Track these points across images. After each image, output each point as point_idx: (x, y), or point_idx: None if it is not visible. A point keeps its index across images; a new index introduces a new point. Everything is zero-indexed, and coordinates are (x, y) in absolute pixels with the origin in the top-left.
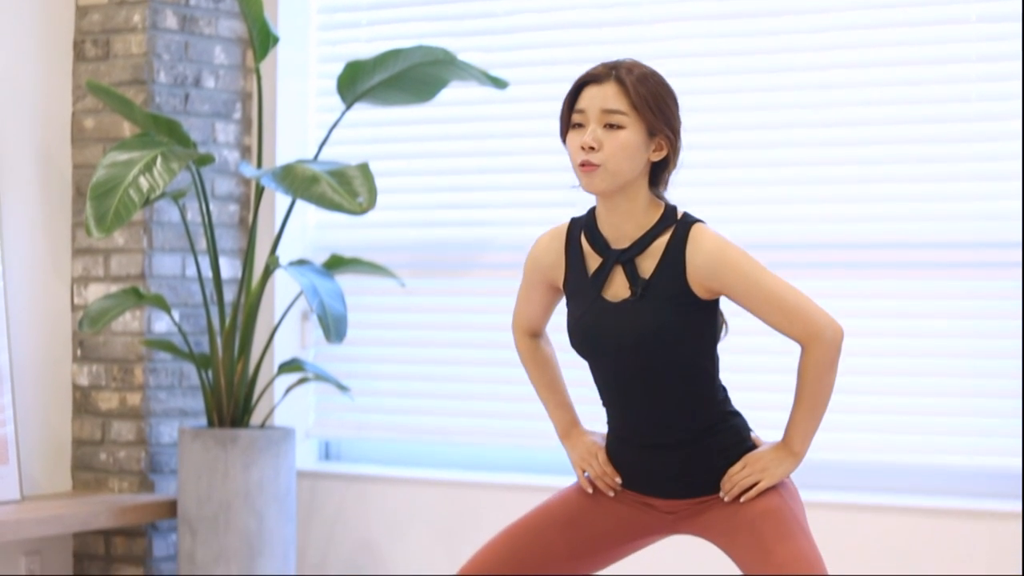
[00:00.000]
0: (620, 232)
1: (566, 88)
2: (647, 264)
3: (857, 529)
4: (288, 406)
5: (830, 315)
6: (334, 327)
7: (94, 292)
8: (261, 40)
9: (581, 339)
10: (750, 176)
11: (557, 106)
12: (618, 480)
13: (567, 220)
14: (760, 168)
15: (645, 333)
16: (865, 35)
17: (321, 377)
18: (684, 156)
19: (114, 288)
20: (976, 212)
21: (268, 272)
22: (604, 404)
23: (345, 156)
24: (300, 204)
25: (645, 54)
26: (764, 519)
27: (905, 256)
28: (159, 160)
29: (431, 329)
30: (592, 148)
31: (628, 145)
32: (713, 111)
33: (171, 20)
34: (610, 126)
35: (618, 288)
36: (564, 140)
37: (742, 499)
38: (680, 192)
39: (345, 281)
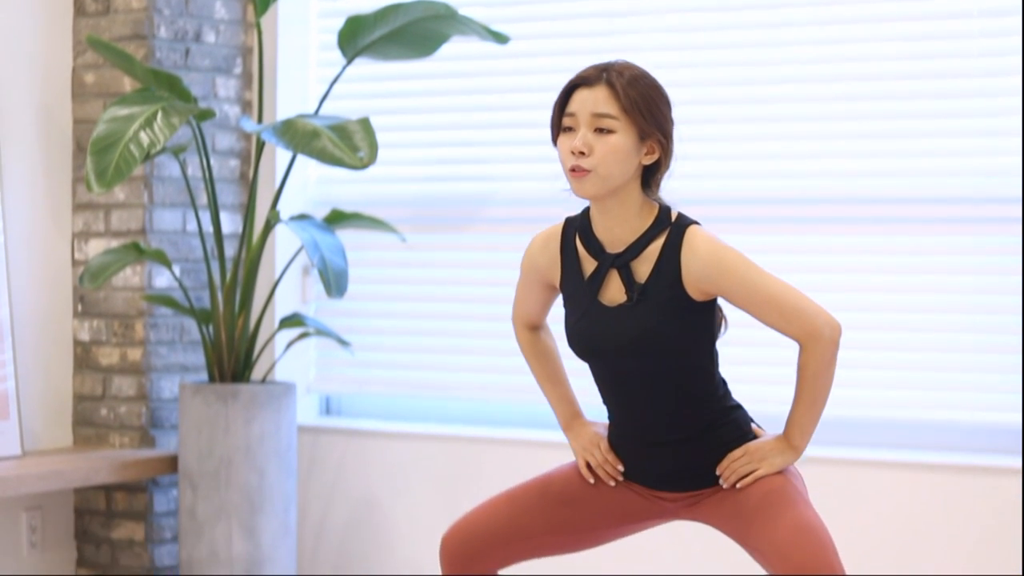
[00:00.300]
0: (614, 235)
1: (566, 43)
2: (642, 268)
3: (857, 485)
4: (289, 361)
5: (827, 312)
6: (335, 282)
7: (95, 247)
8: None
9: (579, 343)
10: (748, 132)
11: (557, 60)
12: (620, 469)
13: (562, 220)
14: (759, 123)
15: (643, 338)
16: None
17: (322, 332)
18: (677, 151)
19: (115, 243)
20: (976, 168)
21: (269, 227)
22: (604, 403)
23: (346, 111)
24: (301, 159)
25: (642, 7)
26: (766, 496)
27: (904, 211)
28: (160, 115)
29: (432, 284)
30: (582, 153)
31: (619, 149)
32: (708, 66)
33: None
34: (601, 130)
35: (614, 292)
36: (555, 143)
37: (738, 485)
38: (679, 149)
39: (346, 236)
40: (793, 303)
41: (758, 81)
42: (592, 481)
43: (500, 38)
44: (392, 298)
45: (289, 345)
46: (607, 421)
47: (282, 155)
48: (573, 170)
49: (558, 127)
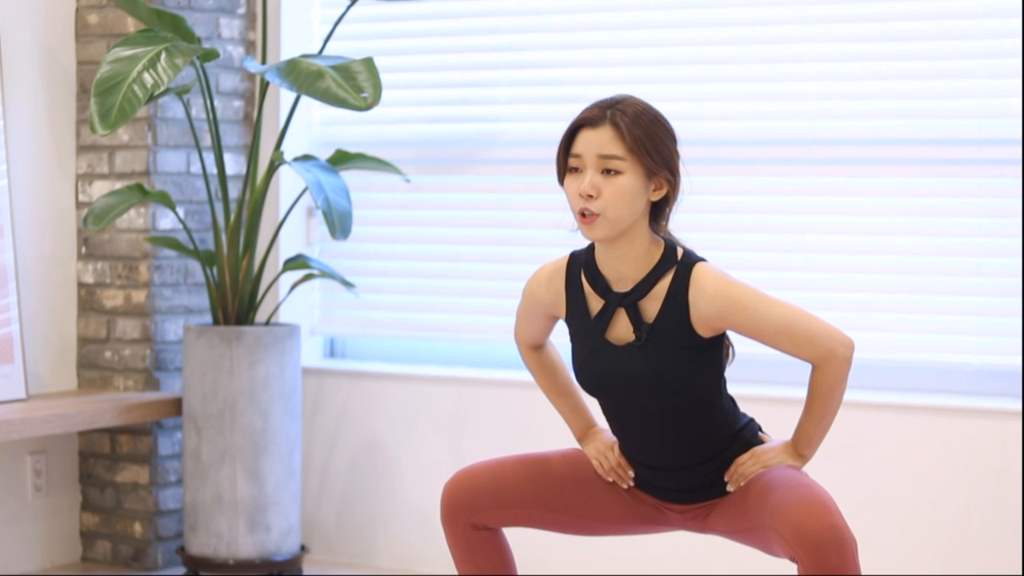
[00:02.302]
0: (620, 274)
1: None
2: (650, 307)
3: (857, 428)
4: (293, 303)
5: (839, 331)
6: (339, 223)
7: (99, 189)
8: None
9: (588, 381)
10: (743, 72)
11: (562, 1)
12: (631, 474)
13: (566, 255)
14: (758, 64)
15: (652, 378)
16: None
17: (326, 274)
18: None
19: (119, 185)
20: (976, 109)
21: (273, 168)
22: (614, 433)
23: (350, 51)
24: (305, 100)
25: None
26: (766, 476)
27: (904, 153)
28: (163, 56)
29: (437, 225)
30: (591, 196)
31: (627, 191)
32: (705, 6)
33: None
34: (608, 171)
35: (621, 331)
36: (561, 183)
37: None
38: (688, 89)
39: (350, 177)
40: (805, 330)
41: (755, 22)
42: (609, 480)
43: None
44: (396, 240)
45: (293, 287)
46: None
47: (286, 96)
48: (583, 214)
49: (564, 167)
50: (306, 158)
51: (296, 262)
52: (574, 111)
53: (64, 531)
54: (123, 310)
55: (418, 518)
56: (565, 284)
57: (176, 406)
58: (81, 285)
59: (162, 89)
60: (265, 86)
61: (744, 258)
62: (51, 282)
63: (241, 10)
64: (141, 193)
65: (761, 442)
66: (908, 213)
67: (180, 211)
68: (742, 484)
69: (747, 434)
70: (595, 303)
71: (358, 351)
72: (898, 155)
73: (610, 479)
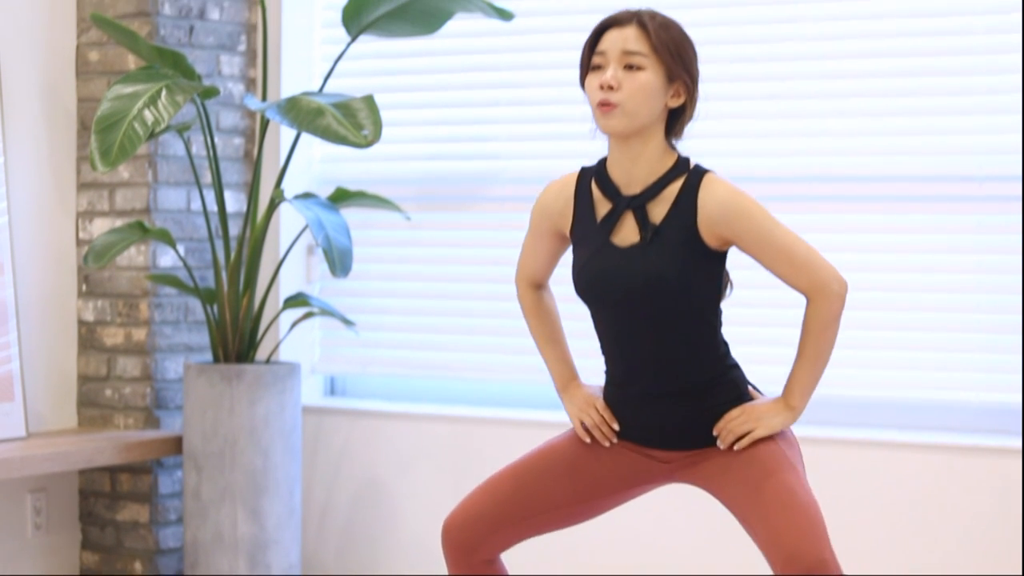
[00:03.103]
0: (631, 177)
1: (572, 20)
2: (658, 210)
3: (857, 465)
4: (293, 341)
5: (836, 269)
6: (339, 261)
7: (99, 226)
8: None
9: (587, 284)
10: (750, 109)
11: (563, 37)
12: (615, 427)
13: (577, 169)
14: (760, 101)
15: (653, 277)
16: None
17: (326, 312)
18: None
19: (119, 222)
20: (976, 146)
21: (273, 206)
22: (605, 353)
23: (350, 88)
24: (305, 137)
25: None
26: (762, 470)
27: (905, 189)
28: (164, 93)
29: (437, 263)
30: (611, 88)
31: (647, 87)
32: (715, 43)
33: None
34: (630, 67)
35: (627, 233)
36: (583, 84)
37: (735, 447)
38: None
39: (350, 215)
40: (805, 255)
41: (757, 58)
42: (588, 440)
43: (505, 15)
44: (397, 277)
45: (293, 325)
46: (602, 384)
47: (286, 133)
48: (601, 104)
49: (587, 66)
50: (306, 196)
51: (296, 300)
52: (575, 148)
53: (64, 570)
54: (123, 348)
55: (419, 557)
56: (575, 192)
57: (176, 444)
58: (81, 323)
59: (163, 126)
60: (265, 123)
61: (737, 296)
62: (51, 320)
63: (242, 47)
64: (141, 231)
65: (751, 397)
66: (907, 250)
67: (180, 249)
68: (731, 440)
69: (737, 377)
70: (603, 208)
71: (358, 389)
72: (896, 192)
73: (589, 440)
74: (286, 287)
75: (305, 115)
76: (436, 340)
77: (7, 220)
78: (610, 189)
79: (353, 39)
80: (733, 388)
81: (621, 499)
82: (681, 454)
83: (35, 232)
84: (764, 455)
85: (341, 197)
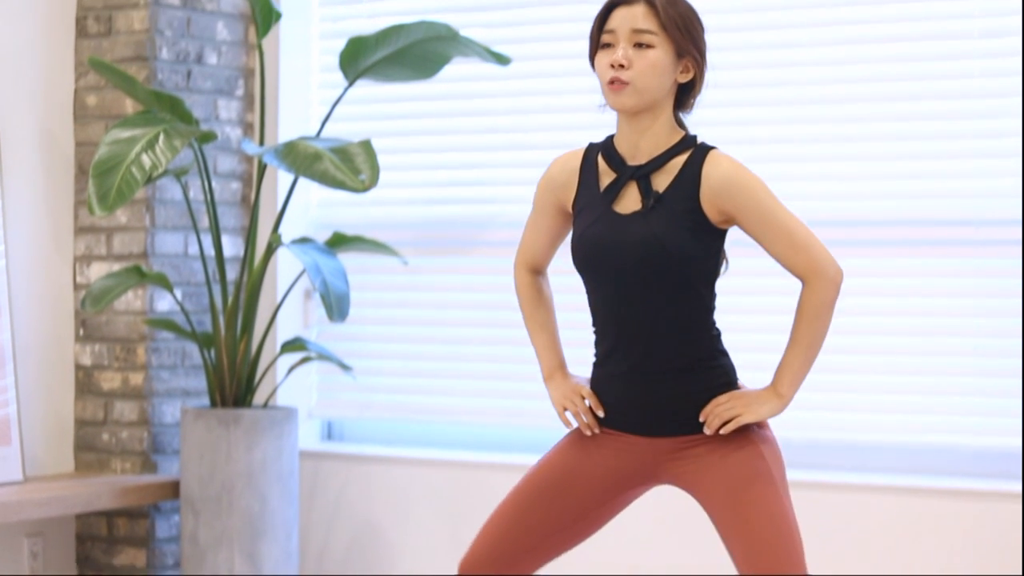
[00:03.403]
0: (638, 150)
1: (569, 64)
2: (662, 180)
3: (857, 509)
4: (291, 386)
5: (834, 258)
6: (337, 306)
7: (96, 271)
8: (263, 16)
9: (586, 251)
10: (750, 153)
11: (560, 82)
12: (600, 414)
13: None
14: (760, 145)
15: (651, 242)
16: (864, 10)
17: (324, 356)
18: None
19: (116, 267)
20: (975, 189)
21: (271, 250)
22: (597, 329)
23: (347, 133)
24: (303, 181)
25: None
26: (741, 470)
27: (904, 234)
28: (161, 137)
29: (434, 308)
30: (622, 66)
31: (657, 64)
32: (717, 88)
33: None
34: (640, 45)
35: (629, 202)
36: (592, 62)
37: (722, 431)
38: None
39: (348, 259)
40: (805, 237)
41: (755, 103)
42: (570, 427)
43: (502, 60)
44: (394, 322)
45: (291, 370)
46: (589, 375)
47: (284, 178)
48: (611, 82)
49: (596, 44)
50: (304, 240)
51: (294, 344)
52: None
53: None
54: (120, 392)
55: None
56: (581, 164)
57: (174, 489)
58: (79, 367)
59: (160, 171)
60: (263, 168)
61: (732, 339)
62: (48, 364)
63: (239, 92)
64: (139, 275)
65: (739, 388)
66: (905, 294)
67: (178, 293)
68: (717, 425)
69: (727, 365)
70: (607, 180)
71: (356, 434)
72: (894, 236)
73: (570, 427)
74: (283, 332)
75: (303, 160)
76: (433, 384)
77: (4, 264)
78: (616, 160)
79: (351, 84)
80: (722, 374)
81: (616, 506)
82: (666, 441)
83: (32, 276)
84: (748, 465)
85: (338, 242)
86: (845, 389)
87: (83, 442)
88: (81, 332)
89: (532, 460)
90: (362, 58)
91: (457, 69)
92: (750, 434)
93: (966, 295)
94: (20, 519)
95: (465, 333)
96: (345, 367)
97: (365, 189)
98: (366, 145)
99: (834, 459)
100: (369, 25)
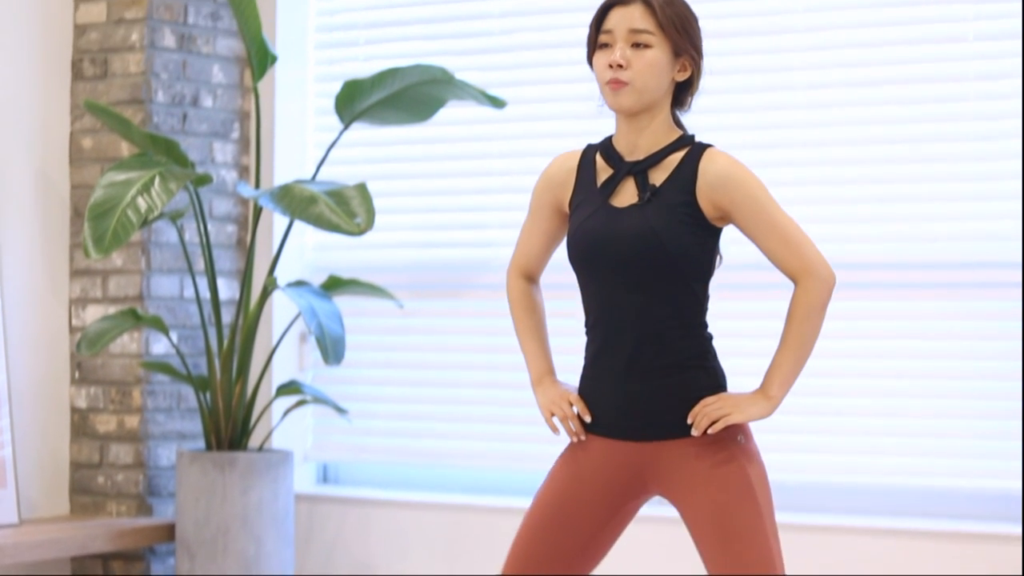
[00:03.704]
0: (636, 147)
1: (564, 107)
2: (659, 175)
3: (857, 552)
4: (286, 429)
5: (827, 260)
6: (332, 349)
7: (92, 313)
8: (259, 59)
9: (582, 244)
10: None
11: (555, 125)
12: (587, 419)
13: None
14: None
15: (646, 233)
16: (862, 53)
17: (319, 399)
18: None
19: (112, 309)
20: (975, 232)
21: (266, 293)
22: (589, 327)
23: (343, 176)
24: (298, 224)
25: None
26: (727, 488)
27: (903, 277)
28: (157, 180)
29: (430, 351)
30: (620, 66)
31: (655, 63)
32: (710, 131)
33: (169, 39)
34: (637, 45)
35: (626, 196)
36: (590, 62)
37: (710, 431)
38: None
39: (343, 302)
40: (797, 236)
41: (749, 146)
42: (557, 434)
43: (497, 103)
44: (389, 365)
45: (286, 413)
46: (578, 381)
47: (279, 220)
48: (611, 83)
49: (594, 45)
50: (299, 283)
51: (289, 388)
52: None
53: None
54: (116, 435)
55: None
56: (578, 163)
57: (169, 532)
58: (74, 410)
59: (156, 214)
60: (258, 211)
61: (736, 383)
62: (44, 406)
63: (235, 135)
64: (134, 318)
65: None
66: (905, 336)
67: (173, 336)
68: (705, 425)
69: (717, 368)
70: (604, 176)
71: (351, 477)
72: (894, 279)
73: (557, 433)
74: (279, 375)
75: (298, 203)
76: (429, 428)
77: (0, 306)
78: (614, 157)
79: (346, 127)
80: (712, 377)
81: (617, 522)
82: (652, 446)
83: (28, 319)
84: (733, 488)
85: (334, 285)
86: (844, 432)
87: (79, 485)
88: (77, 375)
89: (527, 503)
90: (358, 101)
91: (453, 112)
92: (736, 450)
93: (966, 338)
94: (15, 561)
95: (460, 376)
96: (341, 410)
97: (361, 232)
98: (361, 188)
99: (833, 502)
100: (364, 68)
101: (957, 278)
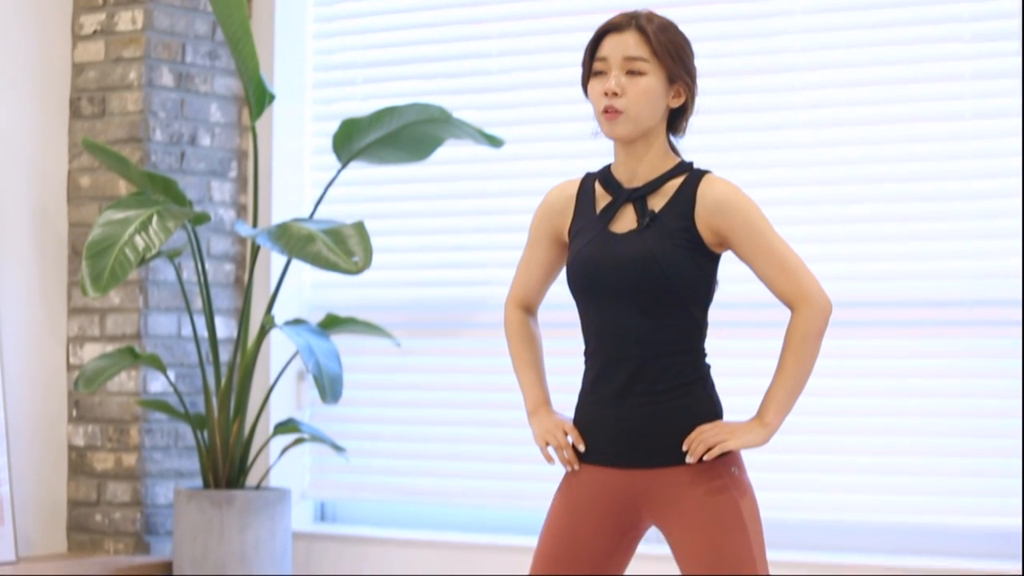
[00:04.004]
0: (634, 174)
1: (562, 147)
2: (657, 202)
3: None
4: (284, 467)
5: (823, 289)
6: (330, 387)
7: (90, 352)
8: (257, 98)
9: (581, 270)
10: None
11: (552, 164)
12: (581, 448)
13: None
14: None
15: (644, 257)
16: (859, 92)
17: (317, 438)
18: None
19: (110, 348)
20: (975, 270)
21: (264, 332)
22: (588, 354)
23: (341, 214)
24: (296, 263)
25: None
26: (722, 542)
27: (903, 314)
28: (155, 219)
29: (427, 389)
30: (615, 94)
31: (650, 91)
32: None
33: (167, 78)
34: (632, 73)
35: (625, 222)
36: (585, 89)
37: (705, 457)
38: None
39: (341, 341)
40: (795, 264)
41: (747, 184)
42: (552, 463)
43: (495, 142)
44: (387, 403)
45: (284, 451)
46: (574, 409)
47: (277, 259)
48: (606, 111)
49: (589, 72)
50: (297, 322)
51: (287, 426)
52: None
53: None
54: (113, 473)
55: None
56: (577, 191)
57: (166, 570)
58: (72, 447)
59: (153, 252)
60: (256, 249)
61: (731, 418)
62: (42, 444)
63: (232, 174)
64: (132, 356)
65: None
66: (905, 375)
67: (171, 374)
68: (701, 452)
69: (714, 396)
70: (603, 202)
71: (349, 515)
72: (894, 317)
73: (551, 463)
74: (276, 413)
75: (296, 241)
76: (426, 466)
77: None
78: (613, 185)
79: (344, 166)
80: (709, 405)
81: (621, 552)
82: (645, 474)
83: (26, 357)
84: (726, 517)
85: (331, 323)
86: (844, 469)
87: (76, 522)
88: (74, 413)
89: (524, 541)
90: (355, 140)
91: (450, 151)
92: (729, 481)
93: (966, 375)
94: None
95: (458, 414)
96: (338, 448)
97: (358, 271)
98: (359, 227)
99: (832, 539)
100: (362, 107)
101: (957, 315)
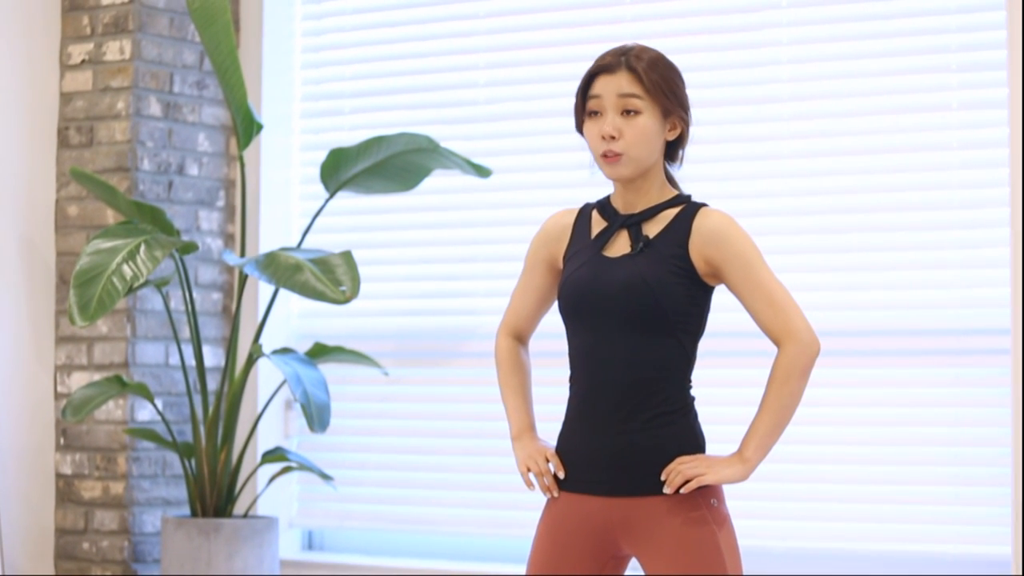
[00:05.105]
0: (632, 205)
1: (550, 176)
2: (653, 228)
3: None
4: (271, 495)
5: (812, 328)
6: (317, 416)
7: (77, 380)
8: (245, 127)
9: (571, 293)
10: None
11: (540, 194)
12: (561, 475)
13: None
14: None
15: (635, 280)
16: (846, 123)
17: (304, 466)
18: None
19: (97, 376)
20: (963, 299)
21: (251, 361)
22: (573, 379)
23: (328, 244)
24: (283, 292)
25: None
26: (694, 552)
27: (892, 344)
28: (143, 248)
29: (415, 418)
30: (613, 137)
31: (647, 131)
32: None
33: (155, 107)
34: (627, 112)
35: (619, 247)
36: (580, 130)
37: (682, 490)
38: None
39: (328, 370)
40: (784, 301)
41: (736, 214)
42: (532, 489)
43: (482, 172)
44: (375, 432)
45: (271, 479)
46: (558, 436)
47: (265, 288)
48: (605, 155)
49: (582, 112)
50: (285, 351)
51: (274, 455)
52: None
53: None
54: (101, 501)
55: None
56: (575, 220)
57: None
58: (59, 476)
59: (141, 281)
60: (244, 279)
61: (713, 450)
62: (29, 473)
63: (220, 203)
64: (120, 385)
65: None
66: (894, 404)
67: (158, 403)
68: (679, 483)
69: (697, 428)
70: (600, 228)
71: (336, 544)
72: (883, 346)
73: (532, 488)
74: (264, 441)
75: (283, 271)
76: (414, 495)
77: None
78: (610, 212)
79: (331, 195)
80: (691, 438)
81: None
82: (623, 502)
83: (13, 385)
84: (704, 549)
85: (319, 352)
86: (834, 498)
87: (63, 551)
88: (62, 441)
89: (512, 570)
90: (343, 169)
91: (438, 181)
92: (707, 513)
93: (955, 404)
94: None
95: (445, 443)
96: (326, 477)
97: (346, 300)
98: (347, 256)
99: (822, 568)
100: (350, 137)
101: (946, 345)
